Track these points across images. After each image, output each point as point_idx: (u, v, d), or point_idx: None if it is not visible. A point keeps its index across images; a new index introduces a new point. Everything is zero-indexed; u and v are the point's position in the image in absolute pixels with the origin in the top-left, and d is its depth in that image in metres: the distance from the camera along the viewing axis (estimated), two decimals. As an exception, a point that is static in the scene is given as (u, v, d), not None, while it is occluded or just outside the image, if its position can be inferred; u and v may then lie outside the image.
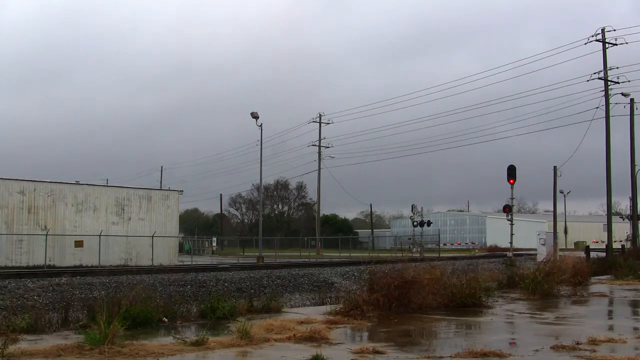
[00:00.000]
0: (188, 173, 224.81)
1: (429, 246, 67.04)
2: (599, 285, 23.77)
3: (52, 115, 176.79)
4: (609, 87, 41.15)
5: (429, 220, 58.35)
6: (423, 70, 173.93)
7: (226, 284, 26.69)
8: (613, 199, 44.26)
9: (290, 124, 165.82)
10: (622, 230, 64.35)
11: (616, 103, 42.24)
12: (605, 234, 44.17)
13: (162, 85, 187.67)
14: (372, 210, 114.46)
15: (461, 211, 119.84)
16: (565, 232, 64.36)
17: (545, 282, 18.99)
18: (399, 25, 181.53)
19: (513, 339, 11.99)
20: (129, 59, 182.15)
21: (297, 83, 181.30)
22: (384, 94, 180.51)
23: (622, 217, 59.01)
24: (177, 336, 11.17)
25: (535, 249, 37.64)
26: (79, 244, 40.77)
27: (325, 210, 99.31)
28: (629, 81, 41.18)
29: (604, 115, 40.92)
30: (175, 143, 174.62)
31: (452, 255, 54.18)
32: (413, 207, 56.95)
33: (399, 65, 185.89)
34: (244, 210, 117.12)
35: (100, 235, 39.39)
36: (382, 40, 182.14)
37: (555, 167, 44.23)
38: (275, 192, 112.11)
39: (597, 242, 77.91)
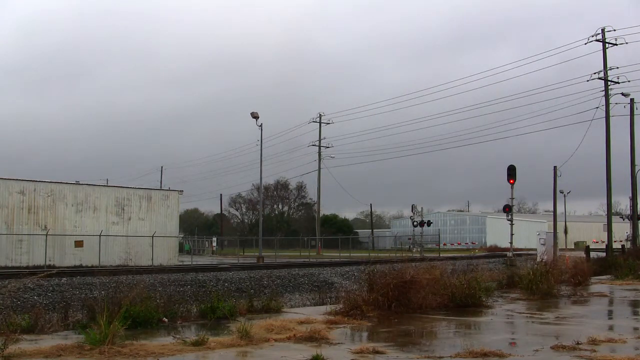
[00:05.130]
0: (188, 173, 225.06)
1: (429, 246, 67.06)
2: (599, 285, 23.76)
3: (72, 115, 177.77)
4: (609, 87, 41.18)
5: (429, 220, 58.41)
6: (427, 72, 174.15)
7: (226, 284, 26.69)
8: (613, 199, 44.29)
9: (297, 124, 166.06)
10: (622, 230, 64.32)
11: (616, 103, 42.28)
12: (605, 234, 44.16)
13: (172, 87, 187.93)
14: (372, 210, 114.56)
15: (461, 211, 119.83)
16: (566, 232, 64.33)
17: (544, 282, 18.97)
18: (400, 26, 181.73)
19: (513, 339, 11.99)
20: (144, 60, 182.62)
21: (301, 84, 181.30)
22: (385, 94, 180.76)
23: (622, 217, 58.94)
24: (177, 336, 11.18)
25: (536, 249, 37.62)
26: (79, 244, 40.77)
27: (326, 210, 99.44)
28: (629, 81, 41.25)
29: (604, 115, 40.96)
30: (176, 143, 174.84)
31: (452, 255, 54.17)
32: (413, 207, 57.04)
33: (402, 66, 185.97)
34: (244, 210, 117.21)
35: (100, 235, 39.39)
36: (386, 43, 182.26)
37: (555, 167, 44.16)
38: (275, 192, 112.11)
39: (597, 242, 77.90)
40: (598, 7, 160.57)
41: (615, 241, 43.56)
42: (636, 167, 43.61)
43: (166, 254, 44.65)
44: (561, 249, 42.13)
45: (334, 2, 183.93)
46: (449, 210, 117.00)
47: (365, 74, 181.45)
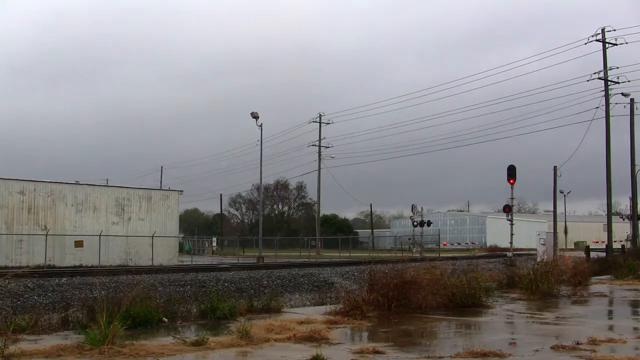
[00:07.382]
0: (188, 173, 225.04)
1: (429, 246, 67.02)
2: (599, 285, 23.77)
3: (75, 115, 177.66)
4: (609, 87, 41.17)
5: (429, 221, 58.36)
6: (427, 74, 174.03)
7: (226, 284, 26.68)
8: (613, 199, 44.29)
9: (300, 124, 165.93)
10: (622, 230, 64.29)
11: (616, 103, 42.30)
12: (605, 234, 44.16)
13: (174, 87, 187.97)
14: (372, 210, 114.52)
15: (461, 211, 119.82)
16: (566, 232, 64.35)
17: (544, 282, 18.97)
18: (401, 28, 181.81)
19: (513, 339, 11.99)
20: (149, 60, 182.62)
21: (308, 85, 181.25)
22: (389, 95, 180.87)
23: (622, 217, 58.94)
24: (177, 336, 11.18)
25: (536, 249, 37.63)
26: (79, 244, 40.74)
27: (326, 210, 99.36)
28: (629, 81, 41.25)
29: (604, 115, 40.96)
30: (177, 143, 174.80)
31: (452, 255, 54.16)
32: (413, 207, 56.98)
33: (404, 68, 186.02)
34: (244, 210, 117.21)
35: (100, 235, 39.37)
36: (392, 44, 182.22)
37: (555, 167, 44.22)
38: (275, 192, 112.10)
39: (597, 242, 77.87)
40: (611, 7, 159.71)
41: (615, 241, 43.56)
42: (636, 167, 43.62)
43: (166, 253, 44.62)
44: (561, 249, 42.10)
45: (353, 2, 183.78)
46: (449, 211, 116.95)
47: (372, 75, 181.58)
